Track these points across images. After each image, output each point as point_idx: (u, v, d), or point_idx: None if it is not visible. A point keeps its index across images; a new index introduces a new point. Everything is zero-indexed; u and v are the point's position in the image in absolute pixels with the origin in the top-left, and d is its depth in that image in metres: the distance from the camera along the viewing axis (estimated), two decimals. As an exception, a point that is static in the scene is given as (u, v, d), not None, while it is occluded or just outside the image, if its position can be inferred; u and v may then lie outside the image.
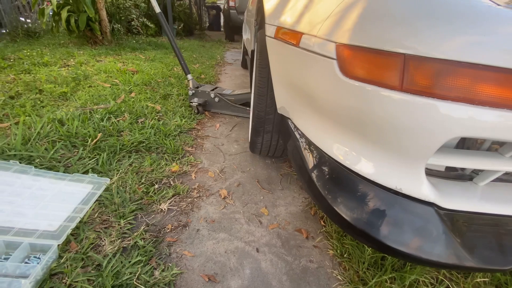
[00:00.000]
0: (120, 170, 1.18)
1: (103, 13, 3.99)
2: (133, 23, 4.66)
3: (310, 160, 0.79)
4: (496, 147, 0.68)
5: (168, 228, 0.95)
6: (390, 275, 0.77)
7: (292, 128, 0.92)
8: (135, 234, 0.89)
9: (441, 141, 0.50)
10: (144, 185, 1.12)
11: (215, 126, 1.81)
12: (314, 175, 0.76)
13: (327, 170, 0.73)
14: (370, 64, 0.55)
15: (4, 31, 4.18)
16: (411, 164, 0.57)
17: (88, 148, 1.26)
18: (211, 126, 1.81)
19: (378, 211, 0.61)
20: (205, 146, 1.54)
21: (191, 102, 1.95)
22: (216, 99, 1.99)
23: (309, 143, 0.80)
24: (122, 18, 4.54)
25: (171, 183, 1.17)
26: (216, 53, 4.70)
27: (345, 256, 0.87)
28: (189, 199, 1.09)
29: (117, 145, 1.31)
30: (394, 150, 0.58)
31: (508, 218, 0.60)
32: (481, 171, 0.66)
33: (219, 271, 0.81)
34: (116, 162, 1.23)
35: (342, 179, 0.68)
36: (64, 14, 3.60)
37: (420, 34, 0.49)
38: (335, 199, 0.67)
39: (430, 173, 0.69)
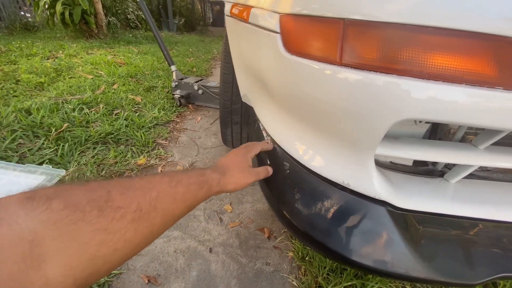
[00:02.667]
0: (81, 162, 1.12)
1: (99, 6, 3.95)
2: (129, 16, 4.62)
3: (270, 154, 0.70)
4: (471, 138, 0.58)
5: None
6: (350, 282, 0.68)
7: (255, 118, 0.84)
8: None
9: (385, 125, 0.41)
10: (103, 178, 1.05)
11: (196, 119, 1.73)
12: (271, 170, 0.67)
13: (280, 165, 0.64)
14: (310, 35, 0.46)
15: (2, 25, 4.20)
16: (357, 154, 0.48)
17: (51, 139, 1.20)
18: (192, 119, 1.74)
19: (323, 209, 0.52)
20: (180, 139, 1.46)
21: (173, 94, 1.87)
22: (200, 91, 1.91)
23: (268, 135, 0.71)
24: (119, 11, 4.49)
25: (133, 176, 1.09)
26: (214, 48, 4.62)
27: (306, 259, 0.78)
28: (149, 194, 1.02)
29: (82, 136, 1.25)
30: (338, 138, 0.49)
31: (479, 222, 0.51)
32: (454, 166, 0.56)
33: (163, 272, 0.73)
34: (78, 154, 1.17)
35: (292, 173, 0.60)
36: (58, 7, 3.57)
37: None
38: (280, 194, 0.59)
39: (395, 167, 0.60)
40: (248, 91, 0.86)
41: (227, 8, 0.83)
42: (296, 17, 0.48)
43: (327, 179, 0.53)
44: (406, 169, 0.60)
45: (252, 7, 0.64)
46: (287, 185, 0.59)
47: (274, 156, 0.65)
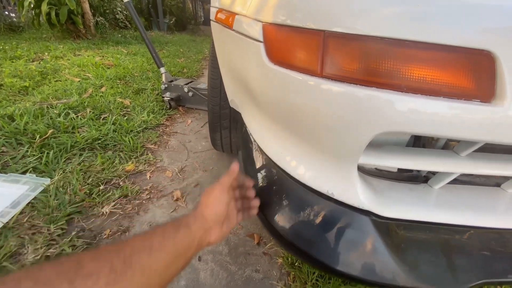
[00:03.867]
0: (67, 169, 1.09)
1: (86, 6, 3.87)
2: (117, 16, 4.53)
3: (257, 161, 0.70)
4: (454, 144, 0.59)
5: (106, 234, 0.86)
6: (338, 289, 0.69)
7: (243, 122, 0.83)
8: (64, 240, 0.81)
9: (365, 138, 0.41)
10: (89, 186, 1.03)
11: (187, 122, 1.72)
12: (258, 178, 0.67)
13: (266, 172, 0.64)
14: (292, 46, 0.46)
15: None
16: (340, 164, 0.48)
17: (35, 146, 1.17)
18: (182, 122, 1.72)
19: (308, 219, 0.52)
20: (170, 143, 1.44)
21: (163, 97, 1.85)
22: (190, 94, 1.89)
23: (254, 140, 0.71)
24: (107, 11, 4.41)
25: (121, 183, 1.08)
26: (205, 48, 4.58)
27: (295, 265, 0.78)
28: (137, 201, 1.00)
29: (68, 143, 1.22)
30: (322, 148, 0.49)
31: (462, 228, 0.51)
32: (437, 172, 0.57)
33: (150, 283, 0.72)
34: (64, 161, 1.14)
35: (277, 181, 0.59)
36: (44, 7, 3.48)
37: (342, 6, 0.39)
38: (265, 202, 0.58)
39: (380, 174, 0.60)
40: (235, 97, 0.85)
41: (212, 12, 0.82)
42: (278, 27, 0.48)
43: (312, 188, 0.53)
44: (391, 175, 0.61)
45: (236, 14, 0.64)
46: (272, 193, 0.59)
47: (260, 163, 0.65)
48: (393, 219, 0.50)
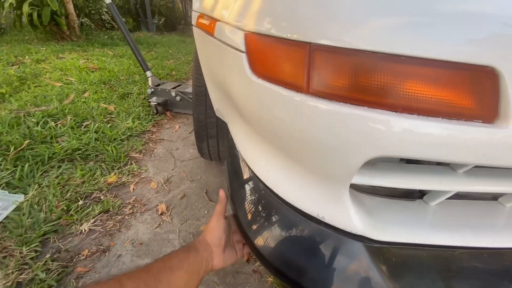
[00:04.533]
0: (43, 184, 1.02)
1: (70, 7, 3.75)
2: (103, 17, 4.41)
3: (243, 175, 0.65)
4: (450, 159, 0.55)
5: (84, 255, 0.81)
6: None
7: (228, 133, 0.78)
8: (38, 264, 0.75)
9: (356, 161, 0.37)
10: (67, 201, 0.96)
11: (174, 127, 1.66)
12: (242, 193, 0.63)
13: (252, 190, 0.59)
14: (276, 58, 0.42)
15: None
16: (331, 186, 0.44)
17: (9, 159, 1.10)
18: (170, 127, 1.66)
19: (297, 244, 0.48)
20: (156, 151, 1.39)
21: (150, 101, 1.79)
22: (178, 98, 1.83)
23: (239, 152, 0.67)
24: (92, 11, 4.28)
25: (102, 197, 1.02)
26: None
27: (287, 283, 0.74)
28: (119, 217, 0.95)
29: (46, 154, 1.15)
30: (311, 168, 0.45)
31: (462, 250, 0.48)
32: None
33: (131, 310, 0.67)
34: (40, 174, 1.07)
35: (263, 200, 0.55)
36: (25, 8, 3.35)
37: (329, 16, 0.35)
38: (251, 225, 0.54)
39: (372, 191, 0.56)
40: (220, 107, 0.81)
41: (194, 17, 0.77)
42: (261, 36, 0.43)
43: (301, 210, 0.49)
44: (384, 191, 0.57)
45: (218, 20, 0.59)
46: (257, 212, 0.54)
47: (245, 178, 0.61)
48: (387, 242, 0.46)
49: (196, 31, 0.77)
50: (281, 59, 0.41)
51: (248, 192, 0.59)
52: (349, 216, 0.44)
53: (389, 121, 0.33)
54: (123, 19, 5.20)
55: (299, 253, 0.47)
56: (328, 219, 0.46)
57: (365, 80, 0.33)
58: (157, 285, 0.40)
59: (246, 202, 0.57)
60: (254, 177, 0.57)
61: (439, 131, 0.33)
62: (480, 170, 0.49)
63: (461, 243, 0.48)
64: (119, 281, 0.37)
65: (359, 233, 0.45)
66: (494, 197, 0.58)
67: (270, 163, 0.54)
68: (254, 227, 0.54)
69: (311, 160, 0.43)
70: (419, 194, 0.57)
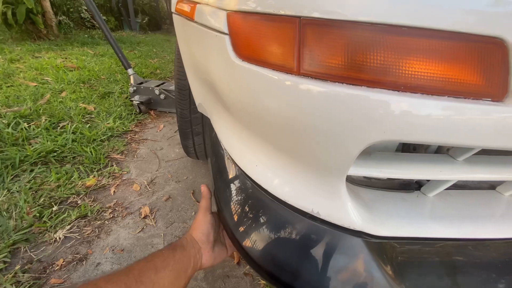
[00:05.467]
0: (13, 189, 0.94)
1: (47, 4, 3.57)
2: (82, 15, 4.24)
3: (228, 172, 0.60)
4: (448, 148, 0.53)
5: (58, 265, 0.73)
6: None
7: (212, 129, 0.73)
8: (7, 277, 0.67)
9: (355, 148, 0.33)
10: (40, 207, 0.88)
11: (158, 127, 1.59)
12: (229, 192, 0.58)
13: (239, 188, 0.55)
14: (262, 38, 0.37)
15: None
16: (326, 178, 0.40)
17: (-26, 163, 1.00)
18: (154, 127, 1.59)
19: (289, 244, 0.44)
20: (139, 151, 1.31)
21: (132, 100, 1.71)
22: (162, 96, 1.76)
23: (221, 147, 0.62)
24: (71, 9, 4.10)
25: (79, 202, 0.94)
26: (180, 48, 4.40)
27: (280, 285, 0.70)
28: (98, 222, 0.88)
29: (16, 157, 1.06)
30: (304, 160, 0.41)
31: (464, 242, 0.45)
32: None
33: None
34: (10, 179, 0.98)
35: (252, 198, 0.51)
36: (-2, 5, 3.16)
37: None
38: (238, 224, 0.50)
39: (368, 183, 0.53)
40: (203, 101, 0.76)
41: (173, 3, 0.71)
42: (245, 15, 0.39)
43: (294, 206, 0.45)
44: (380, 184, 0.54)
45: (197, 3, 0.54)
46: (245, 211, 0.50)
47: (232, 175, 0.56)
48: (387, 237, 0.43)
49: (176, 19, 0.71)
50: (267, 38, 0.37)
51: (234, 190, 0.54)
52: (346, 210, 0.41)
53: (391, 101, 0.30)
54: (104, 17, 5.04)
55: (293, 253, 0.43)
56: (323, 215, 0.42)
57: (363, 56, 0.30)
58: (139, 286, 0.37)
59: (232, 202, 0.53)
60: (241, 174, 0.53)
61: (445, 111, 0.30)
62: (480, 157, 0.47)
63: (463, 235, 0.45)
64: (95, 285, 0.34)
65: (358, 228, 0.41)
66: (492, 186, 0.56)
67: (258, 158, 0.50)
68: (242, 228, 0.49)
69: (303, 150, 0.39)
70: (416, 186, 0.54)
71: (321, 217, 0.42)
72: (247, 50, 0.40)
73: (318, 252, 0.42)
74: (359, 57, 0.30)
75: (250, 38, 0.39)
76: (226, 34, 0.43)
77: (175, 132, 1.55)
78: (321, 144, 0.35)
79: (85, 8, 4.25)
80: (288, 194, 0.45)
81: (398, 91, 0.30)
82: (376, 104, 0.30)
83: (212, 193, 0.61)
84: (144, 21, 6.15)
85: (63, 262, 0.74)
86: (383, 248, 0.42)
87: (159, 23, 7.00)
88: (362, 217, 0.42)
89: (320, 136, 0.35)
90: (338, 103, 0.31)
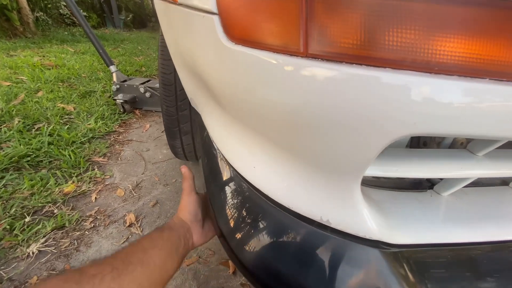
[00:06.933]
0: (-21, 200, 0.84)
1: (23, 0, 3.37)
2: (61, 11, 4.04)
3: (222, 175, 0.54)
4: (462, 141, 0.48)
5: (32, 283, 0.65)
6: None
7: (204, 128, 0.66)
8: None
9: (378, 144, 0.28)
10: (10, 219, 0.79)
11: (144, 127, 1.50)
12: (223, 196, 0.51)
13: (234, 193, 0.48)
14: (260, 15, 0.31)
15: None
16: (338, 181, 0.34)
17: None
18: (139, 127, 1.50)
19: (296, 259, 0.38)
20: (123, 153, 1.23)
21: (115, 99, 1.61)
22: (148, 94, 1.67)
23: (214, 146, 0.55)
24: (49, 5, 3.90)
25: (55, 211, 0.85)
26: (167, 45, 4.26)
27: (280, 296, 0.64)
28: (77, 233, 0.79)
29: (-16, 163, 0.96)
30: (311, 161, 0.35)
31: (487, 245, 0.41)
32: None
33: None
34: (-24, 188, 0.88)
35: (249, 203, 0.44)
36: (-33, 0, 2.95)
37: None
38: (237, 236, 0.43)
39: (377, 183, 0.48)
40: (193, 95, 0.69)
41: (154, -13, 0.64)
42: (237, -9, 0.33)
43: (298, 214, 0.39)
44: (389, 183, 0.49)
45: (181, -18, 0.47)
46: (242, 219, 0.44)
47: (226, 178, 0.50)
48: (407, 246, 0.38)
49: (157, 4, 0.64)
50: (266, 14, 0.30)
51: (230, 195, 0.48)
52: (361, 217, 0.35)
53: (423, 85, 0.24)
54: (85, 14, 4.83)
55: (298, 268, 0.37)
56: (334, 223, 0.36)
57: (388, 31, 0.24)
58: (127, 265, 0.35)
59: (227, 208, 0.46)
60: (236, 177, 0.47)
61: (487, 96, 0.24)
62: (499, 152, 0.43)
63: (487, 237, 0.40)
64: (78, 270, 0.33)
65: (374, 237, 0.35)
66: (504, 182, 0.52)
67: (257, 159, 0.44)
68: (239, 238, 0.43)
69: (312, 148, 0.33)
70: (429, 184, 0.49)
71: (331, 225, 0.36)
72: (240, 30, 0.33)
73: (329, 266, 0.36)
74: (383, 31, 0.24)
75: (244, 16, 0.33)
76: (215, 14, 0.36)
77: (162, 132, 1.46)
78: (335, 140, 0.30)
79: (64, 4, 4.04)
80: (291, 199, 0.39)
81: (431, 73, 0.24)
82: (405, 90, 0.24)
83: (193, 175, 0.60)
84: (128, 18, 5.96)
85: (37, 280, 0.66)
86: (403, 258, 0.37)
87: (144, 20, 6.80)
88: (377, 224, 0.36)
89: (335, 131, 0.29)
90: (357, 89, 0.25)
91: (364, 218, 0.35)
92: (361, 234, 0.35)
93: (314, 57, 0.27)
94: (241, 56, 0.33)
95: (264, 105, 0.34)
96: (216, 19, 0.36)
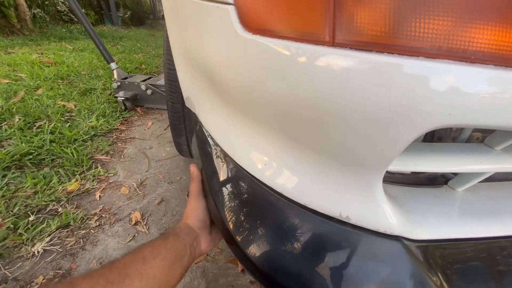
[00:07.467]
0: (-18, 198, 0.83)
1: (19, -4, 3.33)
2: (59, 8, 3.99)
3: (219, 170, 0.52)
4: (477, 136, 0.48)
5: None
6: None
7: (199, 127, 0.64)
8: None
9: (408, 136, 0.27)
10: (14, 218, 0.78)
11: (146, 124, 1.48)
12: (221, 193, 0.50)
13: (239, 188, 0.47)
14: (283, 5, 0.30)
15: None
16: (359, 176, 0.34)
17: None
18: (141, 124, 1.48)
19: (313, 255, 0.37)
20: (126, 151, 1.21)
21: (116, 97, 1.59)
22: (149, 92, 1.65)
23: (215, 145, 0.53)
24: (46, 2, 3.85)
25: (59, 209, 0.84)
26: (166, 42, 4.23)
27: (290, 293, 0.63)
28: (82, 232, 0.78)
29: (-15, 162, 0.94)
30: (331, 155, 0.34)
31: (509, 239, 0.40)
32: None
33: None
34: (-22, 187, 0.87)
35: (257, 200, 0.43)
36: (-37, -3, 2.91)
37: None
38: (245, 231, 0.42)
39: (392, 178, 0.47)
40: (192, 94, 0.67)
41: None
42: (254, -21, 0.31)
43: (315, 210, 0.38)
44: (404, 179, 0.48)
45: (191, -28, 0.46)
46: (258, 223, 0.42)
47: (233, 177, 0.48)
48: (427, 241, 0.37)
49: (164, -3, 0.62)
50: (288, 4, 0.29)
51: (237, 194, 0.46)
52: (382, 213, 0.34)
53: (459, 74, 0.23)
54: (82, 10, 4.78)
55: (317, 269, 0.36)
56: (354, 219, 0.35)
57: (423, 18, 0.23)
58: (124, 279, 0.33)
59: (236, 208, 0.45)
60: (246, 176, 0.45)
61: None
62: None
63: (505, 232, 0.40)
64: (70, 283, 0.30)
65: (396, 233, 0.35)
66: (516, 177, 0.52)
67: (268, 154, 0.43)
68: (254, 241, 0.42)
69: (333, 142, 0.32)
70: (444, 179, 0.49)
71: (351, 221, 0.36)
72: (259, 20, 0.32)
73: (349, 265, 0.35)
74: (417, 18, 0.23)
75: (264, 5, 0.31)
76: (230, 4, 0.35)
77: (164, 129, 1.45)
78: (362, 134, 0.29)
79: (62, 0, 4.00)
80: (309, 196, 0.38)
81: (467, 61, 0.23)
82: (441, 79, 0.23)
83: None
84: (126, 16, 5.90)
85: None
86: (425, 253, 0.36)
87: (142, 18, 6.75)
88: (397, 219, 0.36)
89: (362, 123, 0.28)
90: (388, 80, 0.24)
91: (385, 214, 0.34)
92: (381, 229, 0.34)
93: (342, 45, 0.26)
94: (259, 47, 0.32)
95: (283, 99, 0.33)
96: (232, 9, 0.35)
